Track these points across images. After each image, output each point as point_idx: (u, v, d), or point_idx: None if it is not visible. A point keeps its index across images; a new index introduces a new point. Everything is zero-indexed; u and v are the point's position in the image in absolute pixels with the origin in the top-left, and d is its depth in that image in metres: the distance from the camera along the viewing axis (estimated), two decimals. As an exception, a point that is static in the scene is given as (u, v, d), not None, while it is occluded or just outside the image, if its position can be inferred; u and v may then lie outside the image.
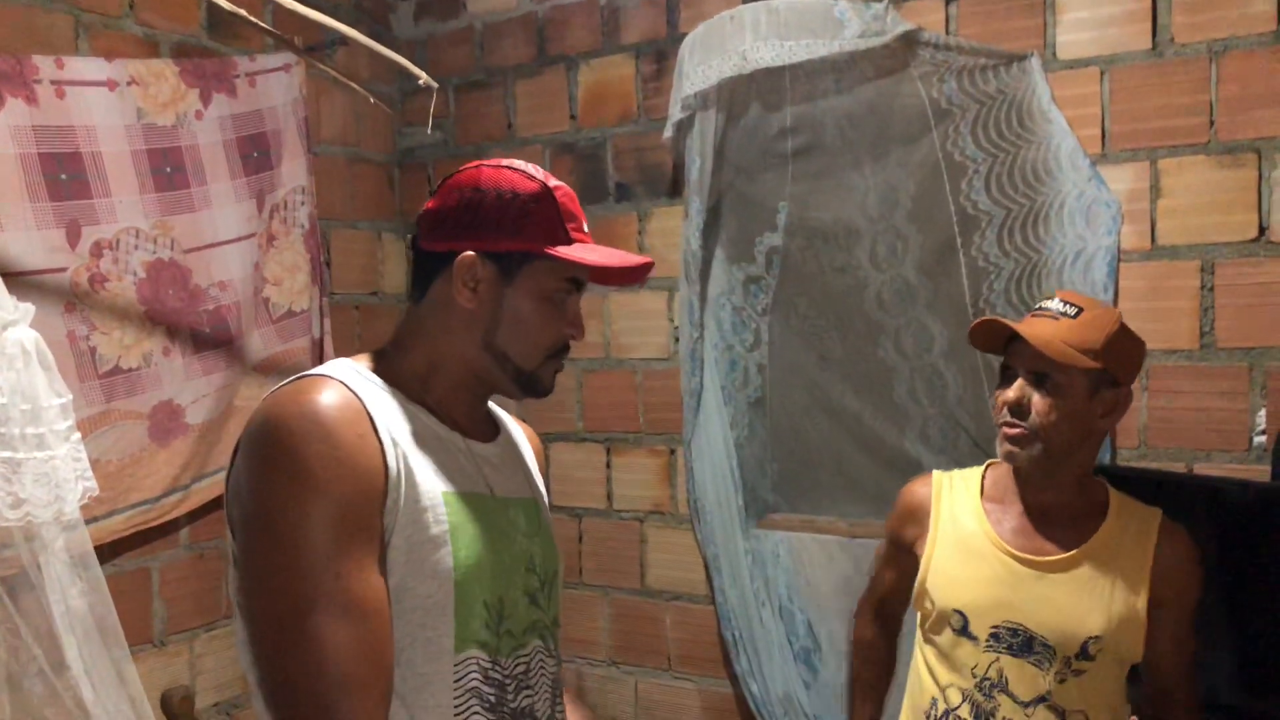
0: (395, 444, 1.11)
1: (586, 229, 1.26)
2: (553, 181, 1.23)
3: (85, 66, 2.15)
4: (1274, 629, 1.82)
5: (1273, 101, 2.05)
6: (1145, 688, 1.69)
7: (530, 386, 1.26)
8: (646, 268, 1.27)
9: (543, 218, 1.20)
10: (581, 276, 1.25)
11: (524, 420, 1.51)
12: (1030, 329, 1.59)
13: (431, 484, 1.14)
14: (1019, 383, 1.62)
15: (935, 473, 1.82)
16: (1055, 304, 1.63)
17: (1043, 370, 1.58)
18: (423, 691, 1.12)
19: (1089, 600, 1.59)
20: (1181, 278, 2.15)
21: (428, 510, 1.12)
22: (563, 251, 1.20)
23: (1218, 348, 2.11)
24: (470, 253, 1.20)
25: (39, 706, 1.68)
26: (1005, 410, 1.63)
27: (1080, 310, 1.60)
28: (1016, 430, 1.61)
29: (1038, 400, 1.59)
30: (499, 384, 1.27)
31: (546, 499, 1.42)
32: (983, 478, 1.76)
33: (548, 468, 1.95)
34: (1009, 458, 1.64)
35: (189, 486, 2.41)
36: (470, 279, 1.20)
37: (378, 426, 1.11)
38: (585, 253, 1.22)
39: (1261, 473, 2.03)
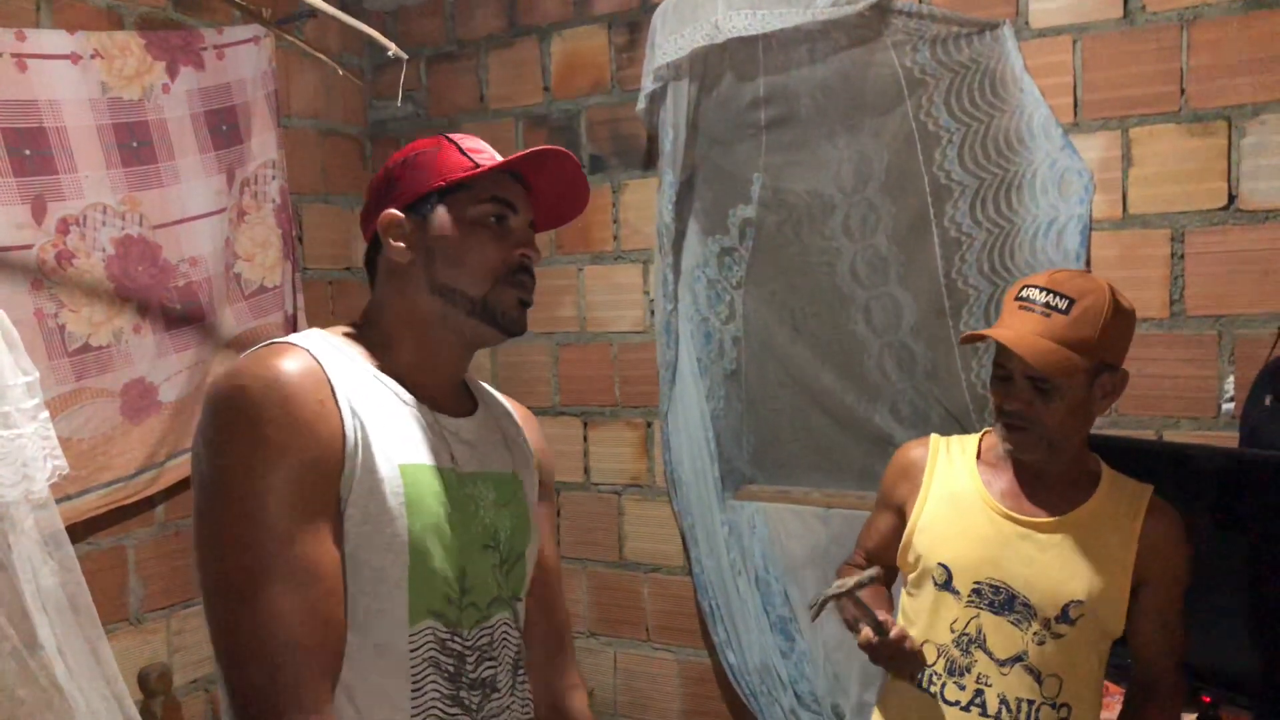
0: (355, 413, 1.12)
1: (500, 157, 1.27)
2: (456, 135, 1.28)
3: (47, 39, 2.11)
4: (1247, 595, 1.84)
5: (1243, 70, 2.05)
6: (1133, 674, 1.70)
7: (490, 316, 1.23)
8: (575, 175, 1.28)
9: (445, 158, 1.24)
10: (508, 197, 1.25)
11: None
12: (1020, 335, 1.54)
13: (390, 455, 1.14)
14: (1017, 388, 1.57)
15: (933, 436, 1.82)
16: (1043, 297, 1.54)
17: (1039, 377, 1.54)
18: (379, 659, 1.12)
19: (1073, 565, 1.60)
20: (1152, 246, 2.16)
21: (384, 481, 1.12)
22: (463, 173, 1.22)
23: (1187, 315, 2.13)
24: (389, 211, 1.23)
25: (13, 686, 1.68)
26: (1008, 414, 1.60)
27: (1071, 302, 1.52)
28: (1020, 434, 1.60)
29: (1040, 406, 1.56)
30: (461, 327, 1.25)
31: (537, 479, 1.41)
32: (979, 442, 1.77)
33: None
34: (1014, 454, 1.64)
35: (163, 464, 2.40)
36: (396, 233, 1.23)
37: (338, 395, 1.11)
38: (487, 164, 1.24)
39: (1229, 439, 2.06)
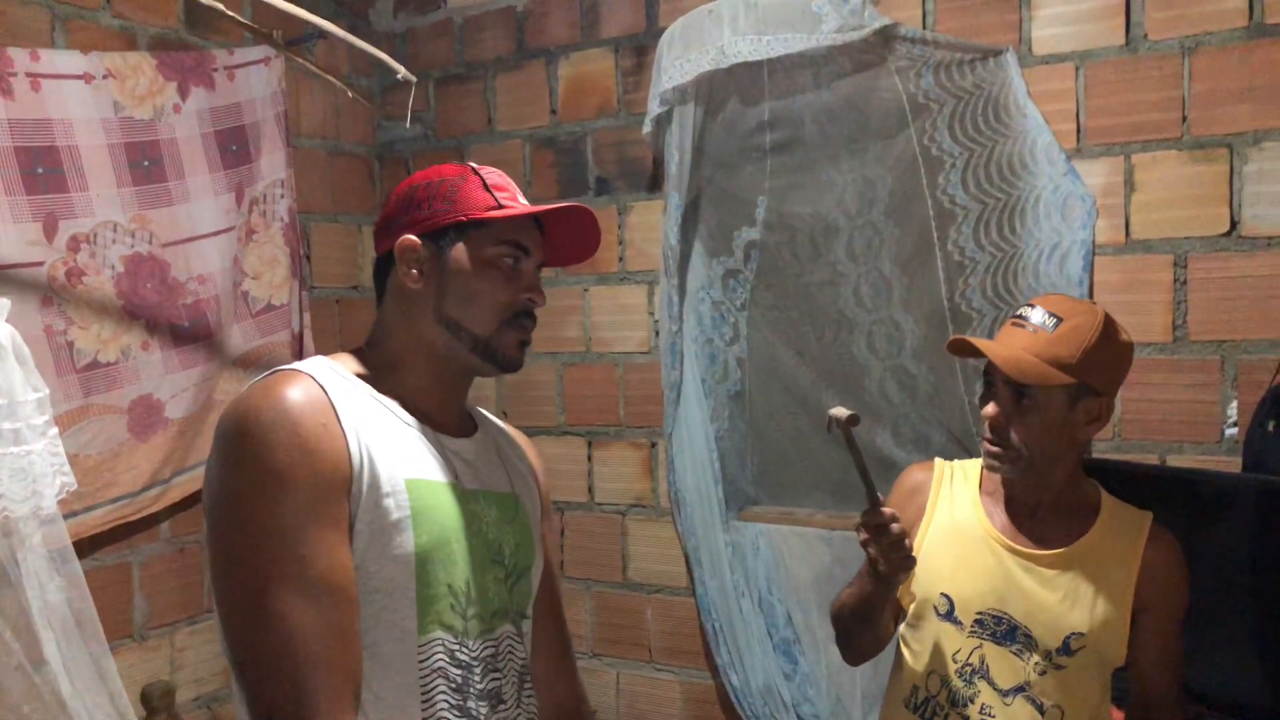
0: (358, 433, 1.15)
1: (523, 200, 1.30)
2: (481, 168, 1.30)
3: (61, 59, 2.14)
4: (1250, 620, 1.84)
5: (1244, 97, 2.07)
6: (1132, 699, 1.70)
7: (491, 355, 1.28)
8: (589, 223, 1.32)
9: (469, 191, 1.27)
10: (524, 241, 1.28)
11: (507, 418, 1.53)
12: (1002, 347, 1.59)
13: (394, 471, 1.17)
14: (998, 399, 1.61)
15: (938, 460, 1.83)
16: (1035, 315, 1.60)
17: (1018, 386, 1.58)
18: (388, 669, 1.15)
19: (1074, 597, 1.61)
20: (1155, 271, 2.17)
21: (389, 496, 1.15)
22: (487, 212, 1.25)
23: (1190, 341, 2.14)
24: (408, 236, 1.25)
25: (17, 702, 1.68)
26: (987, 425, 1.63)
27: (1060, 321, 1.57)
28: (997, 448, 1.62)
29: (1016, 418, 1.59)
30: (462, 359, 1.29)
31: (538, 501, 1.44)
32: (982, 469, 1.77)
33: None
34: (992, 469, 1.66)
35: (169, 481, 2.41)
36: (412, 260, 1.26)
37: (342, 418, 1.15)
38: (512, 208, 1.27)
39: (1232, 464, 2.06)
